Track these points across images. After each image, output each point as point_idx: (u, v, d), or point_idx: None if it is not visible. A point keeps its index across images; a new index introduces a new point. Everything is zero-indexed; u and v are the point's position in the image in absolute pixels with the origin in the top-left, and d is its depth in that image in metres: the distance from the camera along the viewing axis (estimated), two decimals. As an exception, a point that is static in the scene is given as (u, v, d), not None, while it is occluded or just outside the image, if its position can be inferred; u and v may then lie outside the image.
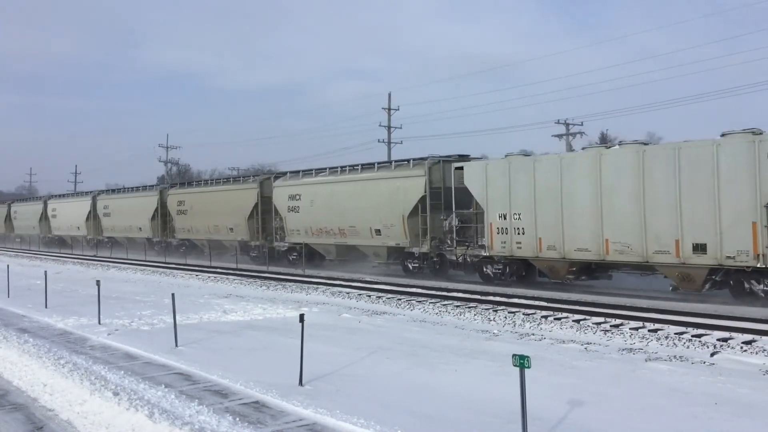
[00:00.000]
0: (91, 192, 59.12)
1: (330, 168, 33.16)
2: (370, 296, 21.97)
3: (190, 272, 32.99)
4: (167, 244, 45.75)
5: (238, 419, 8.44)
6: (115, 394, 9.58)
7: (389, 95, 56.44)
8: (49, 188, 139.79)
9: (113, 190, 57.36)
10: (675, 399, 9.47)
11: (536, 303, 18.85)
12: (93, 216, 55.19)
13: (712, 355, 12.46)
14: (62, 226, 60.89)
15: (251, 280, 28.45)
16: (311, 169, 34.46)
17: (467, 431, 8.13)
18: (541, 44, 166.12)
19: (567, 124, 52.62)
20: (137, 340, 14.33)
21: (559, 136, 51.68)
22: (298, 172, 35.15)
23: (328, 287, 24.62)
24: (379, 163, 30.95)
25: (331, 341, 14.13)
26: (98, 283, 17.46)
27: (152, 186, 50.90)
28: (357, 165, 31.57)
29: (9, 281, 24.73)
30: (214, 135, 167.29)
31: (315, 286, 25.21)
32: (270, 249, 36.32)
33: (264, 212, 36.70)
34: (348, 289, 23.78)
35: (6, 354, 13.13)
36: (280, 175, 36.79)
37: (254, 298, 22.64)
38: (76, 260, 45.32)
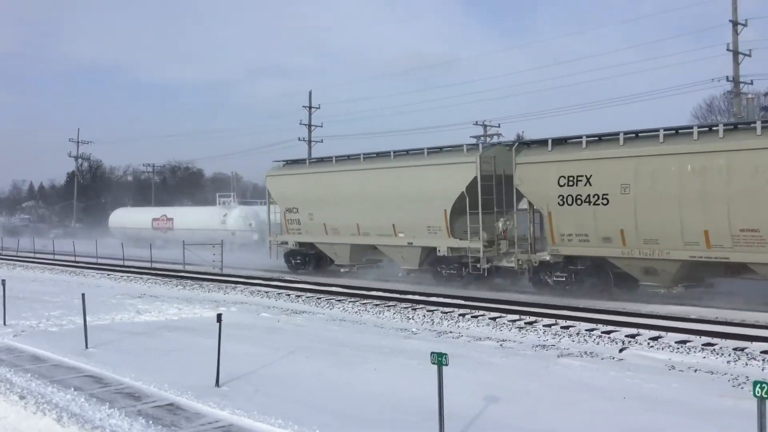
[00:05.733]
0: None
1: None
2: (289, 295, 21.82)
3: (101, 271, 32.02)
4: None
5: (151, 422, 8.25)
6: (22, 397, 9.23)
7: (310, 93, 56.22)
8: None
9: None
10: (586, 394, 9.78)
11: (454, 301, 19.12)
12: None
13: (620, 351, 12.92)
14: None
15: (166, 279, 27.81)
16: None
17: (386, 429, 8.18)
18: (468, 47, 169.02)
19: (485, 126, 53.62)
20: (45, 342, 13.81)
21: (477, 137, 52.58)
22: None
23: (247, 286, 24.33)
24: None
25: (250, 341, 13.97)
26: (3, 282, 16.72)
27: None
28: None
29: None
30: (131, 131, 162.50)
31: (233, 285, 24.86)
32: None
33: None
34: (267, 288, 23.56)
35: None
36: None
37: (169, 297, 22.15)
38: (-22, 259, 43.30)
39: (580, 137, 20.06)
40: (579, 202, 19.52)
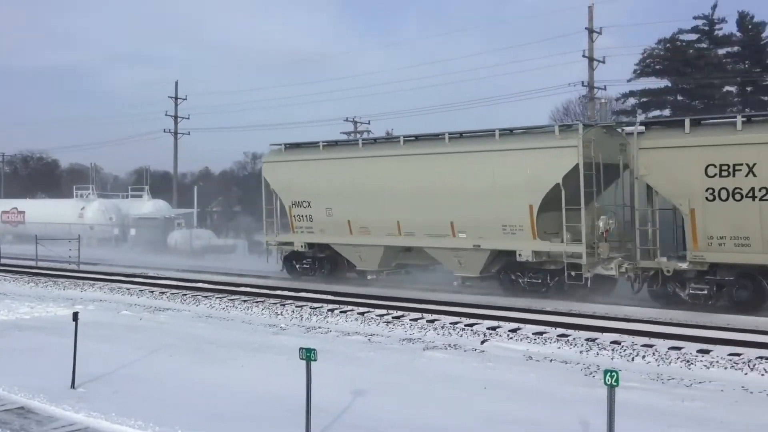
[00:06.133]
0: None
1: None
2: (152, 292, 21.09)
3: (-57, 267, 29.72)
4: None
5: (-1, 428, 7.75)
6: None
7: (176, 84, 54.47)
8: None
9: None
10: (450, 385, 10.07)
11: (323, 297, 19.13)
12: None
13: (482, 342, 13.39)
14: None
15: (17, 276, 26.14)
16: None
17: (252, 427, 8.08)
18: (341, 44, 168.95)
19: (355, 122, 53.99)
20: None
21: (347, 133, 52.87)
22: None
23: (107, 283, 23.29)
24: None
25: (110, 340, 13.40)
26: None
27: None
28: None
29: None
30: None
31: (91, 282, 23.72)
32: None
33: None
34: (128, 285, 22.67)
35: None
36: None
37: (20, 295, 20.85)
38: None
39: (734, 117, 16.70)
40: (737, 196, 15.90)
